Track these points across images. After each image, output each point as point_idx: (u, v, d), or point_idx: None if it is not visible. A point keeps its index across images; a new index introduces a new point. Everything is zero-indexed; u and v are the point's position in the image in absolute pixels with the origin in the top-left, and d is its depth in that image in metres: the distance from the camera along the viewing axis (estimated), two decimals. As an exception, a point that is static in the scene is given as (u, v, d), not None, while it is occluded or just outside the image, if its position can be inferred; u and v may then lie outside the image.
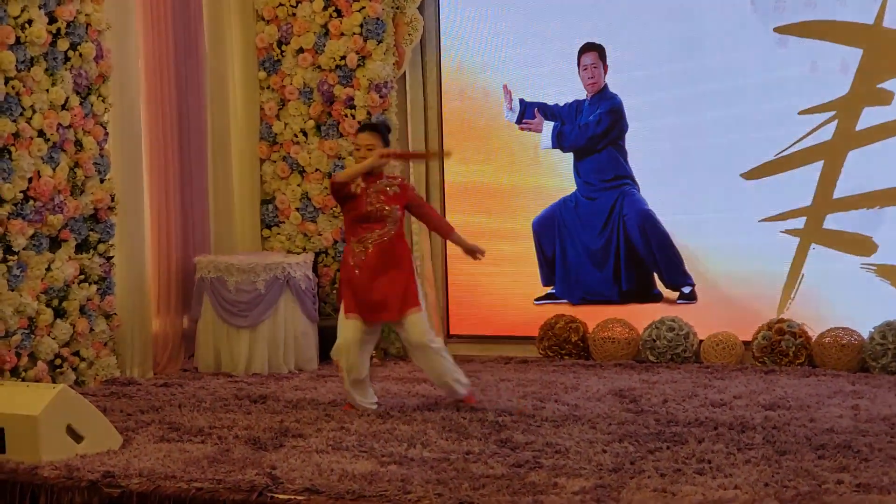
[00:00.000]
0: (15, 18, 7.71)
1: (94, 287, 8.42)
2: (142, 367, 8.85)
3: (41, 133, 7.94)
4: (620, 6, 9.58)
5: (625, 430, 6.21)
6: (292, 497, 4.92)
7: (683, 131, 9.35)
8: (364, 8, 9.79)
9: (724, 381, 8.00)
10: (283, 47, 10.22)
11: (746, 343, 9.00)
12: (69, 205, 8.17)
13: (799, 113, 8.91)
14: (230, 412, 7.10)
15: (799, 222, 8.97)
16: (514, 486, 4.95)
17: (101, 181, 8.49)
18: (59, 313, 8.11)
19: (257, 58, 10.36)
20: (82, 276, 8.33)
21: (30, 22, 7.80)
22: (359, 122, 9.81)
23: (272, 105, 10.28)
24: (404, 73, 10.14)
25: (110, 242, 8.59)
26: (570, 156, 9.80)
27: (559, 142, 9.80)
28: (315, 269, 9.63)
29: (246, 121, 10.31)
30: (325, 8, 9.96)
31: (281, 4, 10.16)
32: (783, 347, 8.71)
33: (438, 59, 10.25)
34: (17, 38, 7.73)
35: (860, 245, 8.79)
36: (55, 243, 8.13)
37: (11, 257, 7.69)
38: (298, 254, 9.86)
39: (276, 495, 4.96)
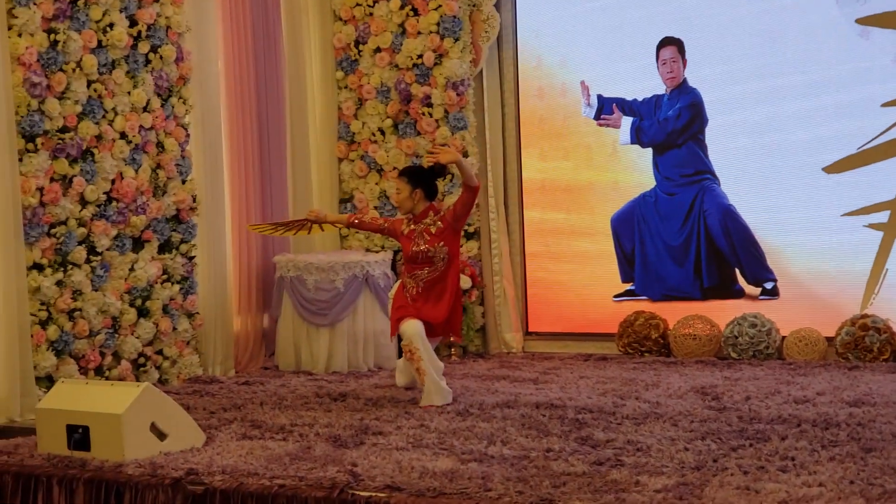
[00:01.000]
0: (97, 22, 7.82)
1: (177, 287, 8.51)
2: (224, 366, 8.94)
3: (123, 135, 8.05)
4: (701, 1, 9.49)
5: (707, 427, 6.16)
6: (373, 494, 4.93)
7: (764, 125, 9.26)
8: (441, 6, 9.81)
9: (807, 378, 7.90)
10: (361, 47, 10.26)
11: (829, 339, 8.89)
12: (152, 206, 8.27)
13: (882, 105, 8.78)
14: (311, 410, 7.14)
15: (883, 216, 8.84)
16: (595, 483, 4.93)
17: (183, 182, 8.59)
18: (143, 313, 8.22)
19: (335, 58, 10.41)
20: (165, 276, 8.43)
21: (111, 25, 7.91)
22: (436, 121, 9.85)
23: (350, 104, 10.32)
24: (481, 70, 10.14)
25: (192, 242, 8.69)
26: (648, 151, 9.75)
27: (638, 137, 9.75)
28: (394, 268, 9.66)
29: (324, 120, 10.37)
30: (401, 7, 9.99)
31: (358, 4, 10.21)
32: (867, 343, 8.59)
33: (515, 56, 10.24)
34: (99, 42, 7.85)
35: (946, 239, 8.67)
36: (138, 244, 8.23)
37: (95, 258, 7.80)
38: (377, 252, 9.89)
39: (358, 492, 4.97)
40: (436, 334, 7.43)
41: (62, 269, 7.57)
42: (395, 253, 9.96)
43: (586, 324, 10.00)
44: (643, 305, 9.73)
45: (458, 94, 9.83)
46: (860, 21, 8.86)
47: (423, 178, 7.38)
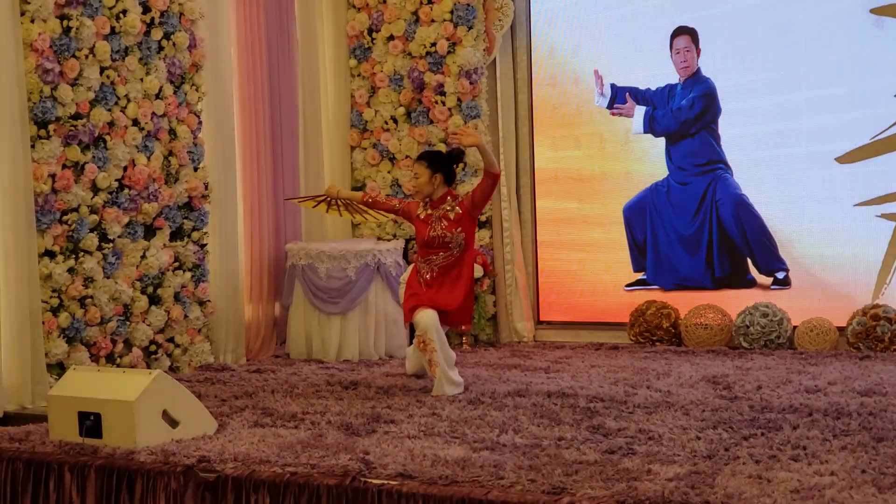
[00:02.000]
0: (110, 9, 7.82)
1: (189, 274, 8.52)
2: (235, 354, 8.96)
3: (136, 122, 8.05)
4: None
5: (718, 416, 6.15)
6: (386, 482, 4.93)
7: (777, 115, 9.24)
8: (454, -6, 9.81)
9: (819, 368, 7.89)
10: (374, 35, 10.26)
11: (841, 329, 8.87)
12: (164, 193, 8.28)
13: (895, 95, 8.75)
14: (322, 398, 7.14)
15: (895, 206, 8.82)
16: (607, 472, 4.92)
17: (195, 169, 8.60)
18: (154, 300, 8.23)
19: (348, 45, 10.42)
20: (177, 264, 8.44)
21: (124, 12, 7.91)
22: (449, 110, 9.84)
23: (363, 92, 10.32)
24: (494, 58, 10.13)
25: (204, 230, 8.70)
26: (661, 141, 9.73)
27: (651, 126, 9.74)
28: (405, 256, 9.66)
29: (337, 108, 10.37)
30: (415, -5, 9.99)
31: (371, -8, 10.21)
32: (878, 333, 8.58)
33: (529, 45, 10.23)
34: (112, 28, 7.85)
35: (959, 229, 8.64)
36: (150, 231, 8.24)
37: (107, 245, 7.81)
38: (389, 241, 9.89)
39: (370, 480, 4.97)
40: (449, 322, 7.44)
41: (74, 256, 7.58)
42: (408, 241, 9.97)
43: (598, 313, 10.00)
44: (655, 295, 9.72)
45: (471, 83, 9.82)
46: (874, 11, 8.83)
47: (442, 163, 7.36)
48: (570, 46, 10.10)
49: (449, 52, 9.89)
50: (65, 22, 7.49)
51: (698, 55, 9.53)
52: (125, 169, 7.97)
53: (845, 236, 9.01)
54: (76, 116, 7.59)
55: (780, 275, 9.30)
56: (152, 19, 8.16)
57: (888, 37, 8.80)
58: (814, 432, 5.65)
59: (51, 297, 7.42)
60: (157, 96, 8.24)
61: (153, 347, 8.21)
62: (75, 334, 7.53)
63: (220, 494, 5.21)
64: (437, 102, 9.96)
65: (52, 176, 7.44)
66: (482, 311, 9.80)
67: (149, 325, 8.14)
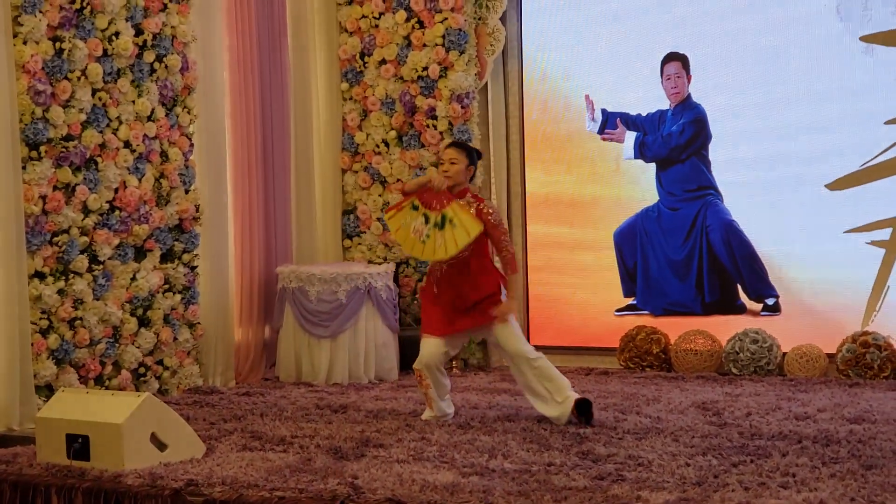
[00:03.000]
0: (102, 31, 7.82)
1: (179, 297, 8.51)
2: (224, 376, 8.93)
3: (127, 144, 8.05)
4: (704, 15, 9.51)
5: (708, 443, 6.15)
6: (373, 507, 4.93)
7: (767, 140, 9.26)
8: (446, 19, 9.83)
9: (808, 394, 7.90)
10: (366, 59, 10.28)
11: (831, 356, 8.88)
12: (154, 215, 8.27)
13: (885, 122, 8.78)
14: (311, 422, 7.13)
15: (885, 233, 8.84)
16: (596, 498, 4.92)
17: (186, 192, 8.59)
18: (144, 322, 8.21)
19: (340, 69, 10.43)
20: (167, 286, 8.43)
21: (117, 34, 7.92)
22: (440, 134, 9.86)
23: (354, 116, 10.34)
24: (486, 83, 10.16)
25: (195, 252, 8.68)
26: (652, 166, 9.75)
27: (642, 152, 9.76)
28: (396, 280, 9.66)
29: (328, 131, 10.39)
30: (407, 19, 10.01)
31: (364, 16, 10.23)
32: (868, 360, 8.59)
33: (520, 70, 10.25)
34: (105, 51, 7.85)
35: (948, 257, 8.66)
36: (140, 253, 8.23)
37: (97, 267, 7.80)
38: (379, 264, 9.89)
39: (358, 505, 4.98)
40: (466, 319, 7.04)
41: (64, 277, 7.57)
42: (398, 265, 9.97)
43: (588, 338, 10.00)
44: (645, 320, 9.72)
45: (462, 107, 9.84)
46: (864, 39, 8.87)
47: (473, 158, 7.15)
48: (562, 72, 10.13)
49: (441, 77, 9.92)
50: (57, 44, 7.50)
51: (689, 81, 9.56)
52: (116, 191, 7.97)
53: (835, 262, 9.02)
54: (68, 138, 7.58)
55: (770, 301, 9.31)
56: (145, 42, 8.17)
57: (877, 63, 8.84)
58: (803, 459, 5.65)
59: (40, 318, 7.40)
60: (149, 118, 8.24)
61: (142, 370, 8.18)
62: (64, 356, 7.51)
63: (208, 518, 5.20)
64: (428, 126, 9.97)
65: (43, 197, 7.42)
66: (473, 336, 9.78)
67: (138, 348, 8.13)
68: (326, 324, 9.04)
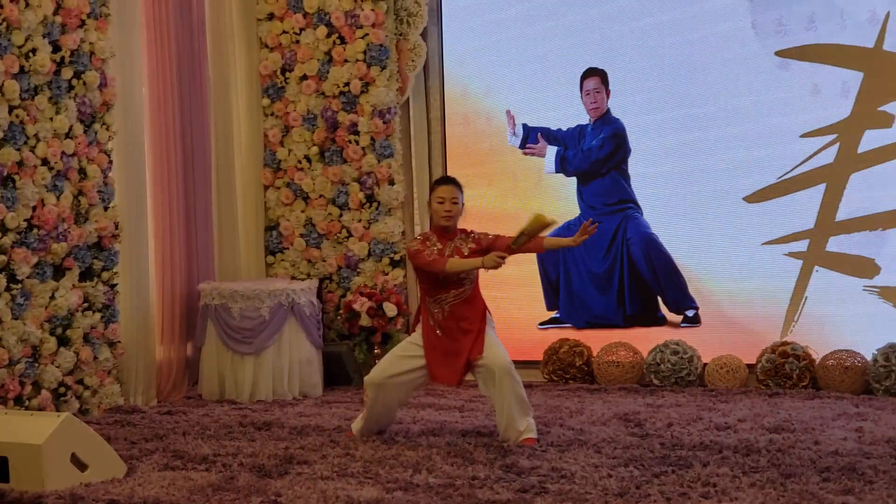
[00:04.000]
0: (19, 48, 7.74)
1: (98, 315, 8.42)
2: (146, 395, 8.85)
3: (45, 161, 7.96)
4: (622, 30, 9.62)
5: (630, 454, 6.20)
6: (297, 524, 4.91)
7: (685, 154, 9.38)
8: (367, 35, 9.85)
9: (729, 405, 7.98)
10: (287, 74, 10.26)
11: (750, 366, 8.99)
12: (73, 233, 8.18)
13: (801, 136, 8.92)
14: (234, 439, 7.09)
15: (802, 245, 8.98)
16: (519, 511, 4.94)
17: (105, 209, 8.51)
18: (63, 341, 8.12)
19: (261, 85, 10.41)
20: (86, 305, 8.34)
21: (34, 51, 7.84)
22: (362, 149, 9.87)
23: (276, 132, 10.32)
24: (408, 98, 10.19)
25: (114, 270, 8.60)
26: (573, 180, 9.83)
27: (562, 166, 9.83)
28: (319, 296, 9.64)
29: (250, 147, 10.35)
30: (328, 35, 10.02)
31: (284, 32, 10.22)
32: (787, 370, 8.70)
33: (441, 85, 10.30)
34: (22, 67, 7.76)
35: (863, 267, 8.78)
36: (59, 271, 8.14)
37: (15, 286, 7.70)
38: (303, 280, 9.86)
39: (281, 522, 4.95)
40: (456, 371, 6.88)
41: (-18, 297, 7.47)
42: (321, 281, 9.95)
43: (511, 351, 9.83)
44: (568, 333, 9.78)
45: (384, 122, 9.86)
46: (779, 53, 9.01)
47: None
48: (483, 87, 10.19)
49: (362, 92, 9.93)
50: (-27, 60, 7.42)
51: (608, 96, 9.65)
52: (34, 209, 7.87)
53: (754, 274, 9.15)
54: (-16, 156, 7.50)
55: (690, 312, 9.41)
56: (62, 58, 8.09)
57: (793, 78, 8.98)
58: (724, 469, 5.71)
59: (-43, 338, 7.31)
60: (67, 135, 8.16)
61: (62, 389, 8.09)
62: (-18, 376, 7.42)
63: (130, 539, 5.15)
64: (350, 142, 9.98)
65: (-41, 216, 7.34)
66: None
67: (58, 367, 8.03)
68: (250, 340, 8.99)
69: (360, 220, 10.01)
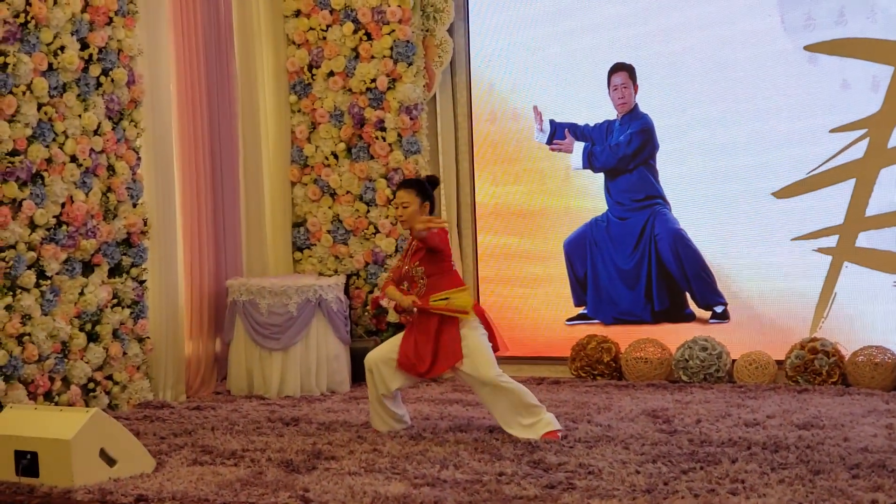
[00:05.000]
0: (48, 45, 7.77)
1: (127, 311, 8.45)
2: (174, 391, 8.88)
3: (74, 158, 8.00)
4: (651, 26, 9.58)
5: (658, 450, 6.18)
6: (325, 519, 4.92)
7: (714, 150, 9.33)
8: (394, 31, 9.84)
9: (757, 401, 7.96)
10: (314, 71, 10.27)
11: (779, 362, 8.95)
12: (102, 229, 8.22)
13: (830, 131, 8.88)
14: (263, 435, 7.11)
15: (831, 240, 8.93)
16: (546, 507, 4.94)
17: (134, 206, 8.54)
18: (92, 337, 8.16)
19: (288, 82, 10.42)
20: (115, 301, 8.37)
21: (62, 48, 7.87)
22: (389, 145, 9.86)
23: (303, 128, 10.32)
24: (434, 95, 10.18)
25: (143, 266, 8.63)
26: (600, 176, 9.80)
27: (590, 162, 9.81)
28: (347, 292, 9.64)
29: (277, 144, 10.36)
30: (355, 31, 10.01)
31: (311, 29, 10.22)
32: (816, 366, 8.66)
33: (468, 81, 10.28)
34: (50, 65, 7.80)
35: (893, 263, 8.73)
36: (88, 268, 8.18)
37: (45, 282, 7.74)
38: (330, 276, 9.87)
39: (309, 518, 4.97)
40: (424, 364, 6.94)
41: (11, 293, 7.50)
42: (349, 277, 9.96)
43: (539, 347, 10.03)
44: (595, 329, 9.76)
45: (411, 119, 9.85)
46: (809, 48, 8.96)
47: (428, 190, 7.03)
48: (510, 83, 10.17)
49: (389, 88, 9.93)
50: (1, 58, 7.44)
51: (636, 91, 9.62)
52: (63, 205, 7.91)
53: (783, 270, 9.10)
54: (13, 153, 7.53)
55: (719, 308, 9.37)
56: (91, 56, 8.12)
57: (822, 73, 8.93)
58: (752, 466, 5.70)
59: (-13, 334, 7.35)
60: (96, 133, 8.19)
61: (91, 385, 8.13)
62: (13, 372, 7.44)
63: (159, 533, 5.18)
64: (377, 138, 9.98)
65: (-11, 213, 7.38)
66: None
67: (87, 363, 8.07)
68: (277, 336, 9.01)
69: (387, 217, 10.01)
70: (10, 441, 5.87)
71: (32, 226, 7.68)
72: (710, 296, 9.40)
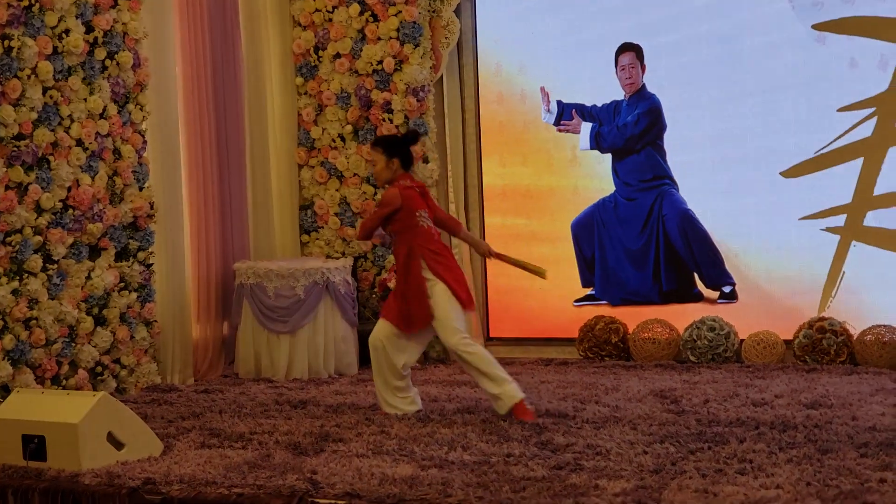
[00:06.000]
0: (52, 28, 7.76)
1: (135, 295, 8.46)
2: (182, 374, 8.89)
3: (79, 142, 7.99)
4: (658, 6, 9.54)
5: (666, 430, 6.18)
6: (333, 501, 4.91)
7: (722, 130, 9.31)
8: (400, 12, 9.81)
9: (766, 381, 7.94)
10: (320, 53, 10.24)
11: (787, 342, 8.94)
12: (108, 213, 8.21)
13: (838, 110, 8.84)
14: (270, 418, 7.11)
15: (839, 220, 8.90)
16: (554, 488, 4.93)
17: (140, 189, 8.54)
18: (100, 321, 8.16)
19: (294, 64, 10.39)
20: (122, 284, 8.38)
21: (67, 32, 7.86)
22: (396, 127, 9.83)
23: (310, 111, 10.30)
24: (441, 76, 10.15)
25: (150, 250, 8.63)
26: (608, 157, 9.78)
27: (597, 143, 9.78)
28: (354, 274, 9.64)
29: (284, 127, 10.35)
30: (361, 13, 9.98)
31: (317, 10, 10.19)
32: (824, 346, 8.65)
33: (475, 62, 10.26)
34: (55, 48, 7.79)
35: (902, 242, 8.72)
36: (95, 252, 8.18)
37: (51, 266, 7.74)
38: (337, 259, 9.86)
39: (317, 500, 4.96)
40: (405, 322, 7.01)
41: (18, 277, 7.50)
42: (356, 259, 9.95)
43: (547, 329, 10.02)
44: (603, 310, 9.75)
45: (418, 100, 9.82)
46: (816, 27, 8.92)
47: (397, 146, 7.12)
48: (517, 64, 10.13)
49: (396, 70, 9.90)
50: (6, 42, 7.43)
51: (643, 72, 9.59)
52: (69, 189, 7.91)
53: (791, 250, 9.08)
54: (19, 137, 7.52)
55: (727, 289, 9.36)
56: (95, 39, 8.11)
57: (830, 52, 8.89)
58: (760, 445, 5.69)
59: (-6, 319, 7.36)
60: (101, 116, 8.18)
61: (99, 369, 8.13)
62: (20, 356, 7.45)
63: (166, 516, 5.18)
64: (384, 120, 9.95)
65: (-5, 197, 7.37)
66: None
67: (94, 347, 8.08)
68: (285, 319, 9.01)
69: (394, 199, 9.98)
70: (17, 425, 5.87)
71: (39, 210, 7.68)
72: (718, 276, 9.38)
